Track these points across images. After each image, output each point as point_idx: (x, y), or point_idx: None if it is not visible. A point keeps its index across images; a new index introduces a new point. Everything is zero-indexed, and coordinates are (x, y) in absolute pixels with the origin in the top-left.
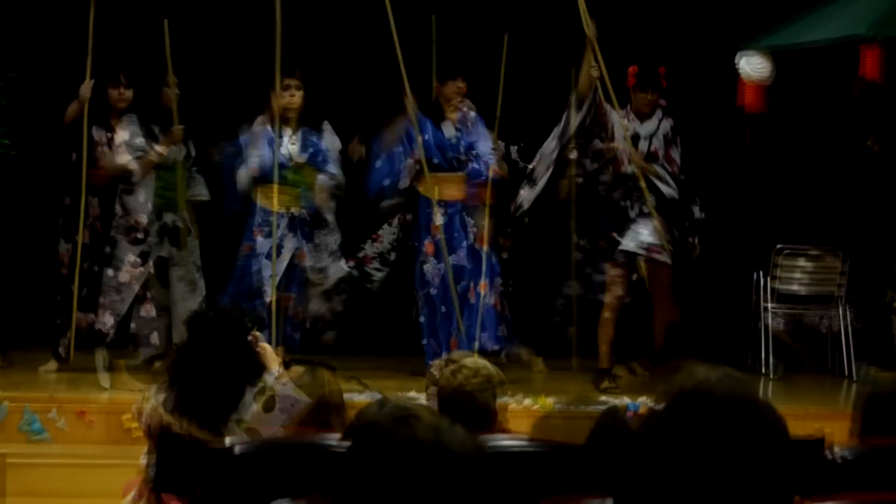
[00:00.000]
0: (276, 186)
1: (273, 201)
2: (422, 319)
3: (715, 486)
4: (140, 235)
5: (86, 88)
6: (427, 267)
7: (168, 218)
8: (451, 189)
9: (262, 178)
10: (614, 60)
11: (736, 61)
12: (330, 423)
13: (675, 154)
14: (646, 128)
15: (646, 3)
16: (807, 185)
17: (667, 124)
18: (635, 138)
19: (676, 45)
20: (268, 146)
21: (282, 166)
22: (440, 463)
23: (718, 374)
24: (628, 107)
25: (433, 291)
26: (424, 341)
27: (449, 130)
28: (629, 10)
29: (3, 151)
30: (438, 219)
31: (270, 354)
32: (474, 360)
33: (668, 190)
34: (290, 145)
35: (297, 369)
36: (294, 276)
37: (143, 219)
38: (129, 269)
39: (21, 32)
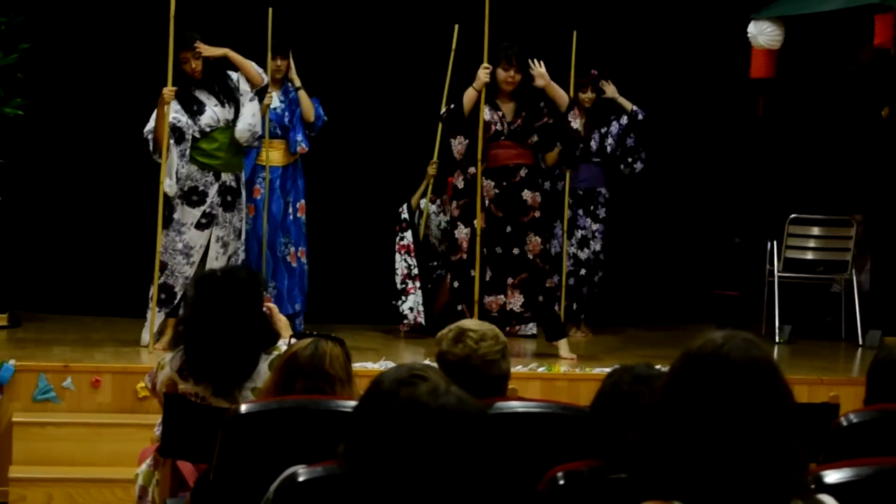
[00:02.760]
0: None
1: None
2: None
3: (730, 450)
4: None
5: (169, 92)
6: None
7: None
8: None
9: None
10: (622, 32)
11: (748, 30)
12: (335, 394)
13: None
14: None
15: None
16: (819, 154)
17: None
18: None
19: (689, 17)
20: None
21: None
22: (439, 424)
23: (733, 338)
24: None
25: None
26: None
27: (274, 101)
28: None
29: (11, 113)
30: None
31: (284, 323)
32: (489, 327)
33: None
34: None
35: (304, 341)
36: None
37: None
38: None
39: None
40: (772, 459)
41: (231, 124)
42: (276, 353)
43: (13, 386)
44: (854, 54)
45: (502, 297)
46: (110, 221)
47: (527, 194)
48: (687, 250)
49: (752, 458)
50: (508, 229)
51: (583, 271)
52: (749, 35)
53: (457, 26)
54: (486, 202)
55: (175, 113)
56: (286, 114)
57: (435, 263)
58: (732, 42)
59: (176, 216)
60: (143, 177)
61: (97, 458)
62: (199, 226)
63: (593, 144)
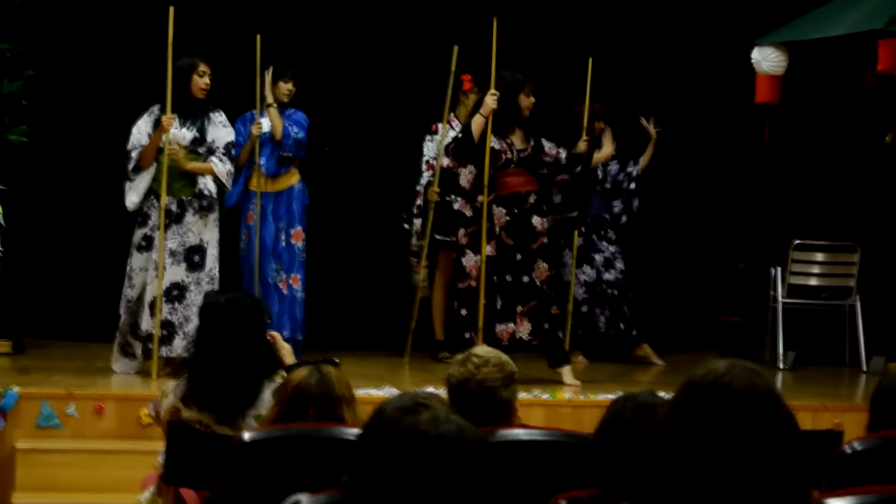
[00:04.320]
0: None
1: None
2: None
3: (732, 479)
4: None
5: (168, 120)
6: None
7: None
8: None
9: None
10: (630, 57)
11: (752, 56)
12: (342, 417)
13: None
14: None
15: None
16: (823, 179)
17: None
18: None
19: (694, 41)
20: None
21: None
22: (438, 452)
23: (735, 368)
24: (452, 114)
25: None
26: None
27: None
28: (646, 6)
29: (16, 140)
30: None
31: (287, 351)
32: (496, 354)
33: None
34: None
35: (302, 370)
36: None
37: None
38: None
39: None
40: (774, 488)
41: (185, 150)
42: (278, 380)
43: (17, 412)
44: (858, 80)
45: (512, 325)
46: (114, 248)
47: (536, 220)
48: (690, 276)
49: (754, 486)
50: (519, 257)
51: (615, 292)
52: (753, 61)
53: (456, 48)
54: (498, 230)
55: (149, 129)
56: (288, 139)
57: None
58: (737, 67)
59: (133, 239)
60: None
61: (100, 484)
62: (140, 248)
63: (600, 173)
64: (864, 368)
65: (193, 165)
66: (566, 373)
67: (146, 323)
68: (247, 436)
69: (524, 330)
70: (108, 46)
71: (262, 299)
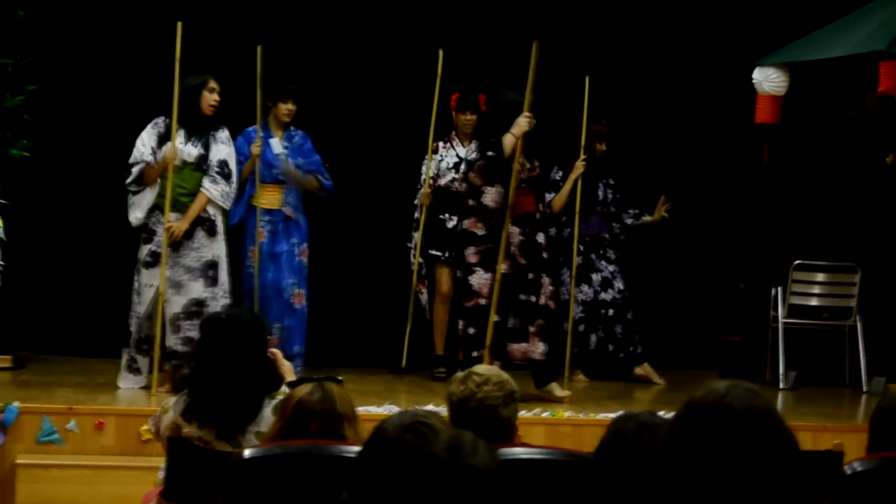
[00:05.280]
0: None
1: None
2: None
3: (733, 500)
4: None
5: (172, 152)
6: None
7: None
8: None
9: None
10: (632, 77)
11: (753, 77)
12: (344, 435)
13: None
14: (468, 152)
15: (664, 20)
16: (824, 200)
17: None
18: (458, 163)
19: (695, 61)
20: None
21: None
22: (454, 479)
23: (736, 388)
24: (452, 133)
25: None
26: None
27: (277, 147)
28: (646, 26)
29: (17, 154)
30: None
31: (288, 368)
32: (496, 372)
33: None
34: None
35: (305, 386)
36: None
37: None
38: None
39: (43, 45)
40: None
41: (191, 166)
42: (279, 396)
43: (17, 428)
44: (859, 101)
45: (525, 344)
46: (115, 263)
47: (540, 237)
48: (691, 296)
49: None
50: (530, 276)
51: (611, 311)
52: (754, 81)
53: (441, 51)
54: (513, 249)
55: (153, 143)
56: (289, 158)
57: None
58: (738, 88)
59: (140, 255)
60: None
61: (100, 500)
62: (146, 264)
63: (601, 194)
64: (865, 389)
65: (189, 214)
66: (554, 388)
67: (171, 340)
68: (247, 452)
69: (537, 350)
70: (110, 61)
71: (262, 315)
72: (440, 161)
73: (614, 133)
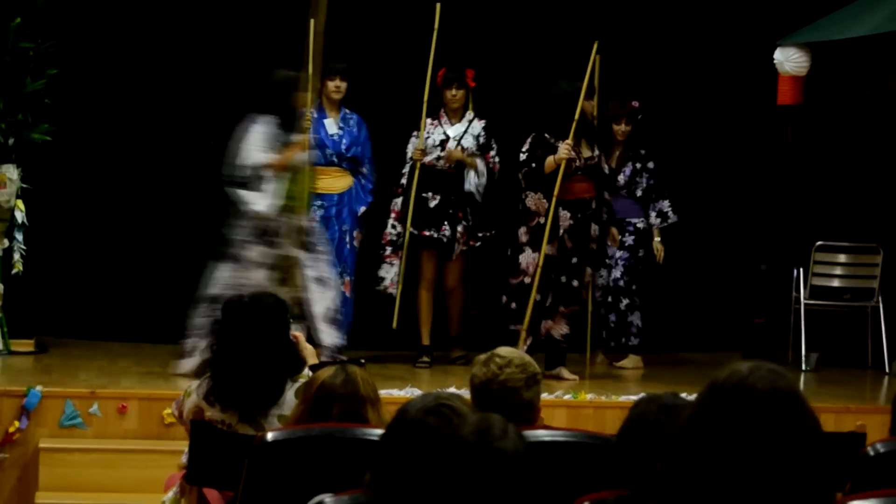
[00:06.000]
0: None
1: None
2: None
3: (755, 481)
4: None
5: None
6: None
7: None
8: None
9: None
10: (653, 58)
11: (775, 57)
12: (367, 418)
13: (492, 154)
14: (455, 129)
15: (686, 2)
16: (846, 181)
17: (478, 126)
18: (445, 141)
19: (717, 42)
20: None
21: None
22: (488, 463)
23: (759, 369)
24: (441, 110)
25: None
26: None
27: (332, 127)
28: (668, 9)
29: (39, 139)
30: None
31: (310, 351)
32: (518, 354)
33: (472, 183)
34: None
35: (328, 369)
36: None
37: None
38: None
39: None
40: (798, 490)
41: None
42: (302, 380)
43: (40, 412)
44: (881, 81)
45: (551, 321)
46: (137, 247)
47: (594, 227)
48: (713, 278)
49: (777, 488)
50: (574, 260)
51: (598, 295)
52: (776, 62)
53: (438, 4)
54: (560, 231)
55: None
56: (343, 140)
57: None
58: (760, 68)
59: (251, 255)
60: (170, 203)
61: (123, 484)
62: (265, 266)
63: (622, 178)
64: (888, 370)
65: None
66: (562, 371)
67: (330, 338)
68: (270, 436)
69: (559, 330)
70: (131, 44)
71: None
72: (427, 138)
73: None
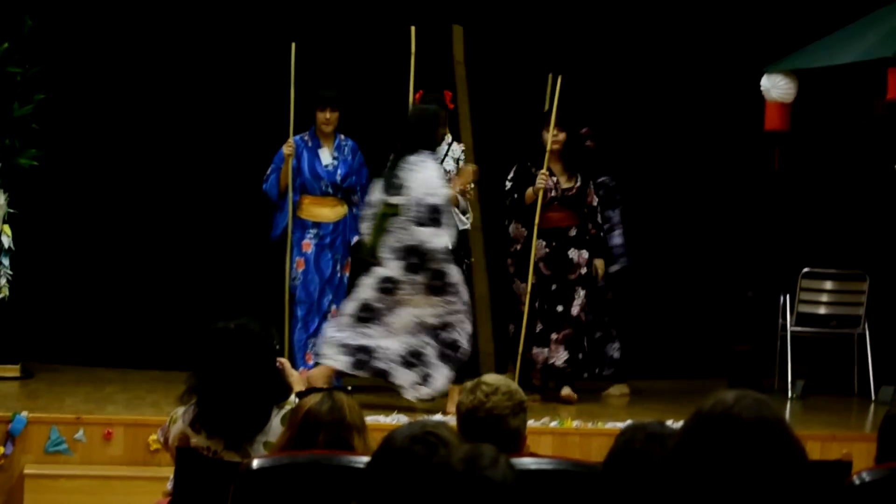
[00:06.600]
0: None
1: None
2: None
3: None
4: None
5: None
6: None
7: None
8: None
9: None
10: (639, 85)
11: (761, 84)
12: (353, 445)
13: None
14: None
15: (673, 28)
16: (833, 207)
17: (458, 149)
18: None
19: (703, 69)
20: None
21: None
22: (475, 493)
23: (744, 398)
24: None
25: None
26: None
27: (326, 157)
28: (656, 34)
29: (26, 164)
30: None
31: (296, 377)
32: (505, 382)
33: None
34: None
35: (314, 396)
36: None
37: None
38: None
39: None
40: None
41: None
42: (288, 407)
43: (25, 437)
44: (867, 108)
45: (546, 350)
46: (124, 273)
47: (573, 253)
48: (699, 304)
49: None
50: (554, 287)
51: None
52: (762, 88)
53: (413, 28)
54: (535, 260)
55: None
56: (339, 171)
57: None
58: (747, 95)
59: (453, 280)
60: (157, 228)
61: None
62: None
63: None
64: (873, 398)
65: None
66: (565, 389)
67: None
68: (255, 463)
69: (559, 357)
70: (118, 70)
71: (270, 325)
72: None
73: (633, 139)
